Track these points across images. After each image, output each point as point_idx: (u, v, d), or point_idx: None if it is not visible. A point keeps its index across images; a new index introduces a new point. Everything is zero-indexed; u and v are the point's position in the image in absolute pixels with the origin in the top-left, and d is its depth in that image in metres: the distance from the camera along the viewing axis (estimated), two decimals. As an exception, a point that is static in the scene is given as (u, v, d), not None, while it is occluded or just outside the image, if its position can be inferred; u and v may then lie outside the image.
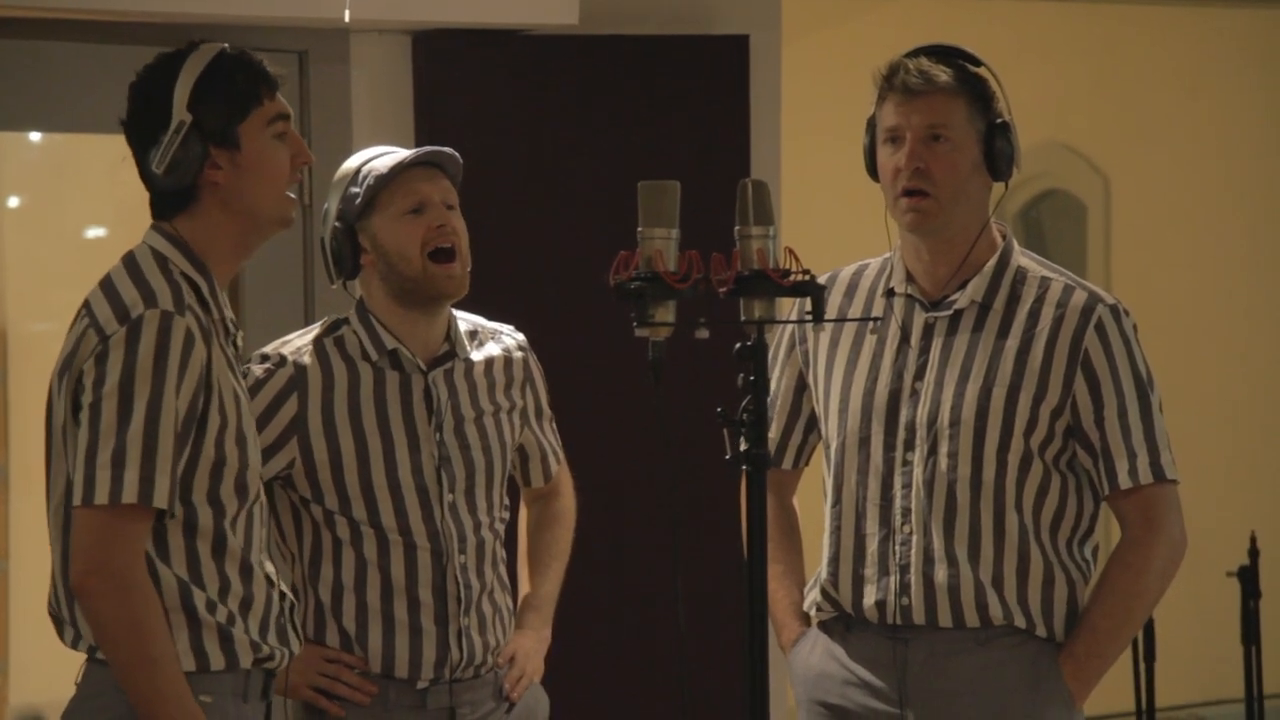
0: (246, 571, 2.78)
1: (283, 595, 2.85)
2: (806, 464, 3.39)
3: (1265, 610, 5.11)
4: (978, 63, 3.21)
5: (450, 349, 3.30)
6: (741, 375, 2.78)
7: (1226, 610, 5.15)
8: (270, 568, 2.84)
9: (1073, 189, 6.03)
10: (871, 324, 3.23)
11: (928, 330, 3.21)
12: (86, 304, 2.76)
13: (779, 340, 3.35)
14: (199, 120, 2.77)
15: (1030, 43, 5.68)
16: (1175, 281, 5.93)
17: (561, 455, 3.49)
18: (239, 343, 2.86)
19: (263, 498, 2.85)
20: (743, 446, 2.77)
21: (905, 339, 3.22)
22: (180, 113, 2.76)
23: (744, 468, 2.78)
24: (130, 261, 2.79)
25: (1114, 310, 3.18)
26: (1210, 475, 5.69)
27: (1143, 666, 5.00)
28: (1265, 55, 6.20)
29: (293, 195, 2.85)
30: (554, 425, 3.47)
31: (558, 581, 3.45)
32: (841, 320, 3.25)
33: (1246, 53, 6.16)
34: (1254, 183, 6.18)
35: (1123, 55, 6.01)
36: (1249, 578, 5.07)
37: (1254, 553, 5.11)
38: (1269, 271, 6.20)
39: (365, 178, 3.24)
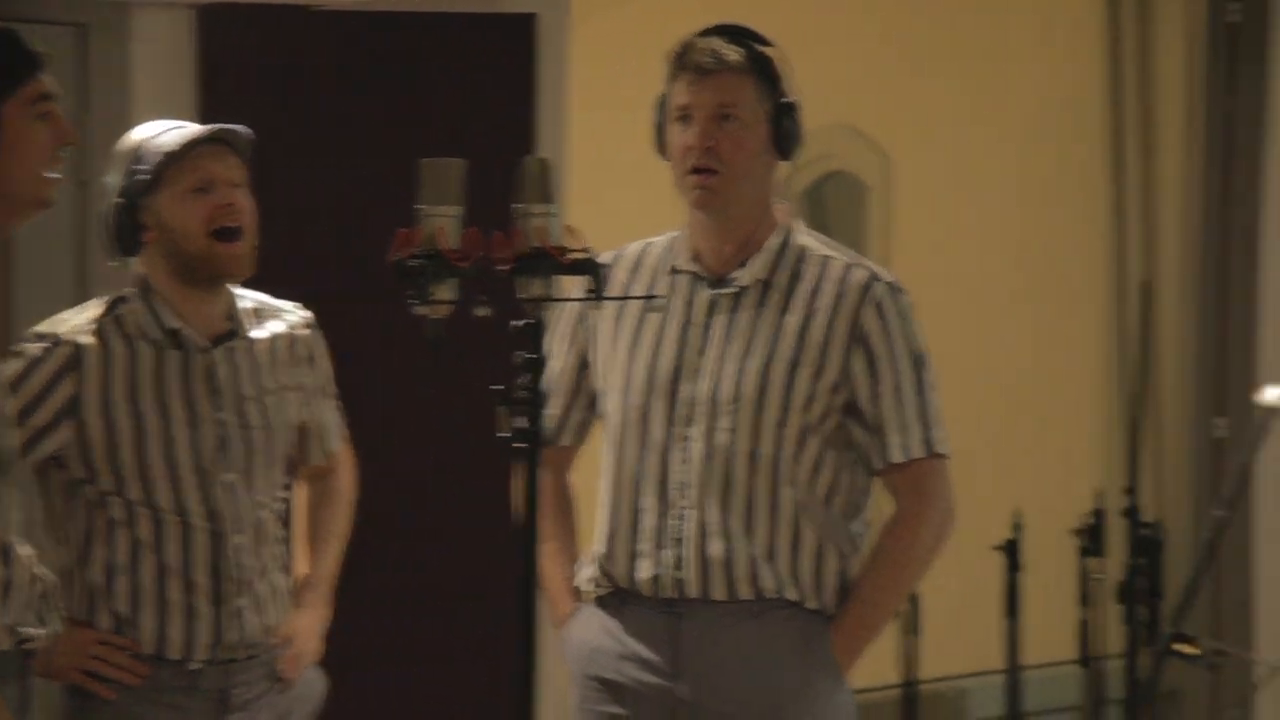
0: (4, 552, 2.73)
1: (41, 577, 2.80)
2: (584, 441, 3.42)
3: (1026, 584, 5.24)
4: (767, 43, 3.25)
5: (232, 327, 3.27)
6: (519, 353, 2.79)
7: (990, 584, 5.27)
8: (28, 548, 2.79)
9: (856, 170, 6.10)
10: (654, 301, 3.25)
11: (711, 307, 3.25)
12: None
13: (563, 317, 3.37)
14: None
15: (818, 25, 5.73)
16: (952, 262, 6.01)
17: (344, 434, 3.47)
18: None
19: (19, 478, 2.80)
20: (518, 424, 2.78)
21: (689, 316, 3.26)
22: None
23: (516, 445, 2.79)
24: None
25: (891, 288, 3.24)
26: (977, 452, 5.78)
27: (906, 640, 5.11)
28: (1043, 33, 6.30)
29: (54, 175, 2.79)
30: (338, 403, 3.45)
31: (336, 560, 3.42)
32: (622, 299, 3.27)
33: (1025, 31, 6.27)
34: (1030, 163, 6.29)
35: (907, 37, 6.08)
36: (1012, 552, 5.20)
37: (1017, 528, 5.24)
38: (1041, 253, 6.31)
39: (151, 154, 3.19)
